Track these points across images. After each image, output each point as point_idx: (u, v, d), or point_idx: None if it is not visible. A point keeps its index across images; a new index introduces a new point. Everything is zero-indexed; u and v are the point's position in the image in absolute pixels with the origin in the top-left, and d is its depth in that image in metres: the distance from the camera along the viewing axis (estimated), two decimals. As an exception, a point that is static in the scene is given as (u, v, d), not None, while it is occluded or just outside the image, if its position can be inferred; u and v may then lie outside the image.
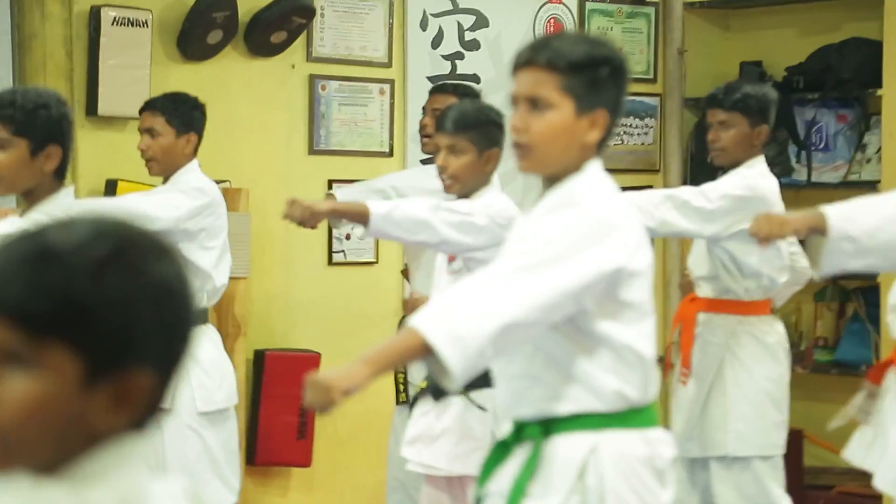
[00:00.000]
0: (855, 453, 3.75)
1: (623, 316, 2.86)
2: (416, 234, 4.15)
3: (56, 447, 1.46)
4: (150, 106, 5.04)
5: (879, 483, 3.67)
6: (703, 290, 4.99)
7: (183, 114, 5.01)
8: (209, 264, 4.96)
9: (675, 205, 4.67)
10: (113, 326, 1.45)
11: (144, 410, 1.49)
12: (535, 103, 2.88)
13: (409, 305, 4.67)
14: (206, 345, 4.96)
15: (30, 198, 3.62)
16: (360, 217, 4.16)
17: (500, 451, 2.99)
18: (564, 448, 2.88)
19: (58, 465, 1.47)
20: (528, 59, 2.89)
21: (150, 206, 4.75)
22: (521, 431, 2.94)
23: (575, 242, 2.79)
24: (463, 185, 4.23)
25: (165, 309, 1.49)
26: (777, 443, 4.94)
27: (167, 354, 1.50)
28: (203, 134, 5.11)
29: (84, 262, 1.45)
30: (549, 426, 2.90)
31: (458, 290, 2.83)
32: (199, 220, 4.91)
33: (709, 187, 4.78)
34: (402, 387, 5.24)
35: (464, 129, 4.21)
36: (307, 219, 4.20)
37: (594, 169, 2.93)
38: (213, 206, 4.97)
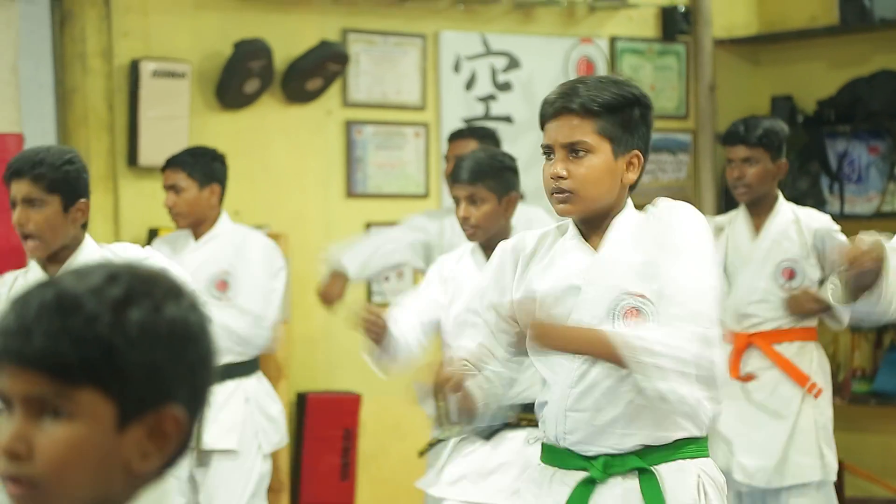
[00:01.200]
0: None
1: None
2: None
3: (95, 491, 1.48)
4: (171, 163, 5.10)
5: None
6: (769, 323, 4.99)
7: (203, 166, 5.06)
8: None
9: None
10: (139, 365, 1.46)
11: (176, 449, 1.52)
12: (573, 149, 2.93)
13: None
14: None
15: (64, 252, 3.63)
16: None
17: (584, 489, 2.98)
18: (675, 474, 2.94)
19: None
20: (562, 106, 2.94)
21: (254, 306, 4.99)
22: (609, 465, 2.96)
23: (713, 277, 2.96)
24: (486, 232, 4.26)
25: (188, 346, 1.50)
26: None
27: (194, 392, 1.51)
28: (226, 183, 5.15)
29: (101, 305, 1.46)
30: (646, 457, 2.95)
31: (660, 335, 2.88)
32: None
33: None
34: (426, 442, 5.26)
35: (481, 179, 4.25)
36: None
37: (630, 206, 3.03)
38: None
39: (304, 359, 6.26)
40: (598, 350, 2.86)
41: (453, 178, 4.35)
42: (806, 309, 4.93)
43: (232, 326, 4.94)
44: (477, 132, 5.54)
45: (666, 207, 2.98)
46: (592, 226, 3.01)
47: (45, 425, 1.46)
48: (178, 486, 5.06)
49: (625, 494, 2.96)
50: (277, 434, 5.14)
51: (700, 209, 7.78)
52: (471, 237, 4.30)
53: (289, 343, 6.06)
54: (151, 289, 1.51)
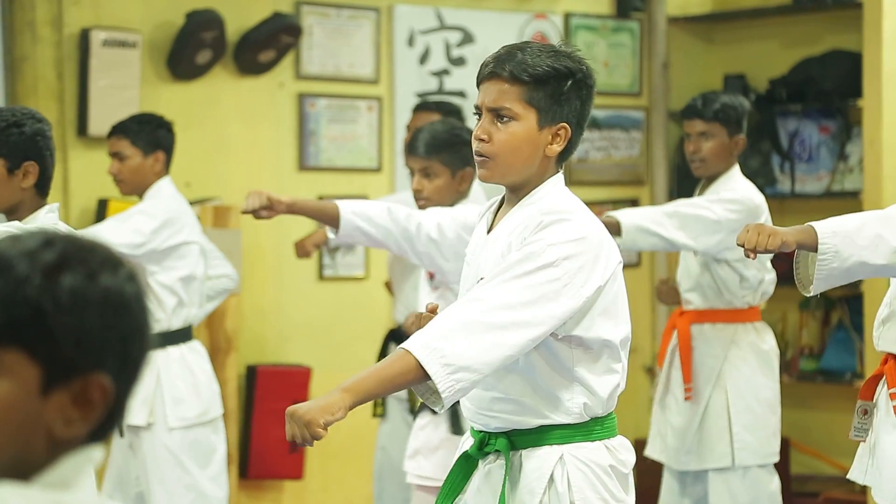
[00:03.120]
0: (856, 472, 3.75)
1: (594, 332, 2.91)
2: (387, 238, 4.08)
3: (16, 452, 1.48)
4: (115, 130, 5.08)
5: (878, 498, 3.66)
6: (695, 302, 5.01)
7: (147, 134, 5.03)
8: (179, 282, 5.02)
9: (678, 222, 4.72)
10: (66, 331, 1.47)
11: (105, 419, 1.52)
12: (498, 114, 2.93)
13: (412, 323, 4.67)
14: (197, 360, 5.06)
15: (12, 216, 3.65)
16: (328, 216, 4.04)
17: (464, 463, 3.03)
18: (533, 461, 2.94)
19: (20, 471, 1.49)
20: (493, 70, 2.94)
21: (112, 234, 4.80)
22: (485, 443, 2.99)
23: (573, 267, 2.83)
24: (437, 206, 4.27)
25: (120, 316, 1.51)
26: (776, 450, 4.95)
27: (125, 362, 1.52)
28: (172, 151, 5.11)
29: (33, 267, 1.47)
30: (514, 439, 2.96)
31: (457, 315, 2.80)
32: (165, 239, 4.96)
33: (705, 201, 4.81)
34: (379, 400, 5.27)
35: (436, 152, 4.26)
36: (264, 207, 4.01)
37: (560, 182, 2.99)
38: (174, 223, 5.00)
39: (253, 331, 6.25)
40: (400, 370, 2.81)
41: (409, 149, 4.35)
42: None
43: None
44: (442, 107, 5.54)
45: (551, 217, 2.88)
46: (515, 196, 2.99)
47: None
48: (121, 453, 5.04)
49: (488, 474, 2.99)
50: (198, 406, 5.04)
51: (652, 186, 7.83)
52: (422, 209, 4.31)
53: (239, 315, 6.05)
54: (87, 256, 1.51)
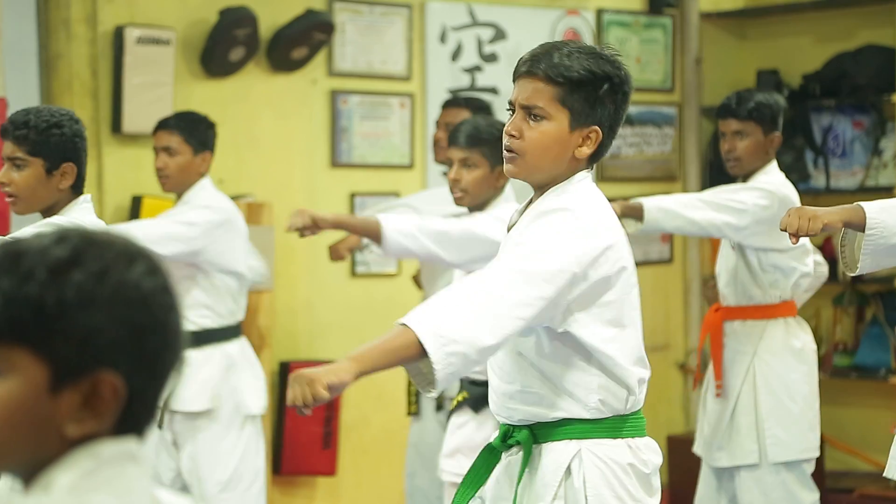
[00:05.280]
0: (892, 470, 3.72)
1: (606, 328, 2.90)
2: (430, 250, 4.22)
3: (27, 452, 1.46)
4: (165, 125, 5.11)
5: None
6: (728, 298, 4.99)
7: (199, 133, 5.09)
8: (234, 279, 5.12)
9: (702, 204, 4.70)
10: (71, 329, 1.44)
11: (132, 415, 1.49)
12: (530, 112, 2.93)
13: None
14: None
15: (48, 216, 3.69)
16: (371, 231, 4.21)
17: (488, 455, 3.03)
18: (551, 453, 2.94)
19: (32, 469, 1.48)
20: (529, 69, 2.94)
21: (158, 235, 4.84)
22: (508, 435, 3.00)
23: (564, 250, 2.83)
24: (473, 198, 4.28)
25: (134, 311, 1.47)
26: (815, 445, 4.91)
27: (140, 358, 1.48)
28: (214, 152, 5.19)
29: (41, 264, 1.44)
30: (536, 432, 2.96)
31: (455, 294, 2.81)
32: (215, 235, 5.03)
33: (732, 188, 4.81)
34: (413, 398, 5.29)
35: (477, 144, 4.27)
36: (309, 227, 4.19)
37: (585, 180, 2.98)
38: (226, 223, 5.07)
39: (286, 328, 6.27)
40: (400, 344, 2.83)
41: (450, 141, 4.37)
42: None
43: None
44: (472, 103, 5.55)
45: (553, 204, 2.91)
46: (541, 193, 2.99)
47: None
48: (165, 448, 5.09)
49: (507, 465, 3.00)
50: (257, 399, 5.15)
51: (685, 182, 7.82)
52: (458, 201, 4.32)
53: (272, 312, 6.07)
54: (101, 252, 1.48)
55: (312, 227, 4.21)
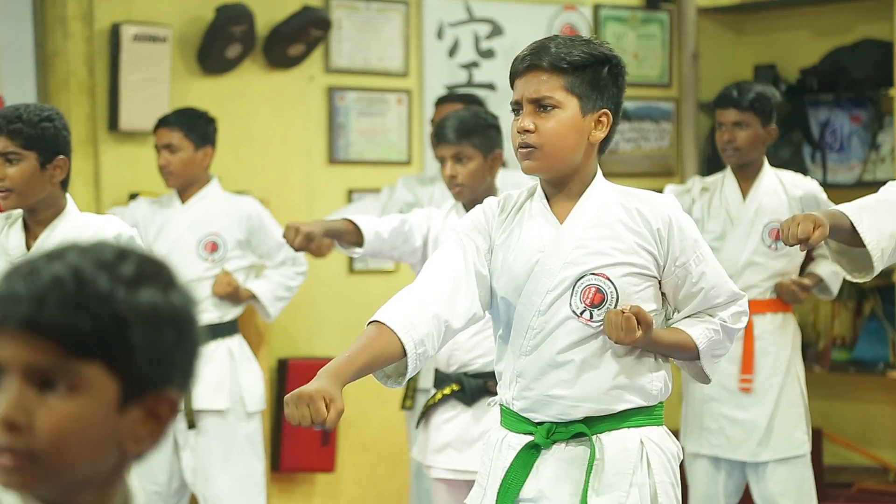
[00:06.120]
0: None
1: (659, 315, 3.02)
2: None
3: (86, 470, 1.46)
4: (165, 122, 5.14)
5: None
6: (754, 290, 4.96)
7: (199, 128, 5.13)
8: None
9: None
10: (147, 345, 1.45)
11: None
12: (541, 105, 2.94)
13: None
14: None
15: (38, 210, 3.67)
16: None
17: (527, 456, 3.01)
18: (616, 443, 2.96)
19: (89, 486, 1.48)
20: (531, 63, 2.95)
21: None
22: (552, 431, 2.98)
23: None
24: (472, 191, 4.27)
25: (186, 332, 1.49)
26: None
27: (187, 379, 1.51)
28: (216, 147, 5.22)
29: (116, 281, 1.45)
30: (592, 425, 2.97)
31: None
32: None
33: None
34: (409, 392, 5.27)
35: (466, 136, 4.27)
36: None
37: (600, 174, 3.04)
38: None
39: (285, 325, 6.26)
40: (685, 352, 3.02)
41: (438, 138, 4.36)
42: (800, 298, 4.98)
43: (294, 285, 5.30)
44: (465, 98, 5.55)
45: (651, 200, 3.00)
46: (559, 189, 3.00)
47: (46, 397, 1.43)
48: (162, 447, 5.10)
49: (565, 461, 2.99)
50: (258, 395, 5.17)
51: (682, 177, 7.80)
52: (457, 196, 4.32)
53: (270, 309, 6.06)
54: (159, 272, 1.50)
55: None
